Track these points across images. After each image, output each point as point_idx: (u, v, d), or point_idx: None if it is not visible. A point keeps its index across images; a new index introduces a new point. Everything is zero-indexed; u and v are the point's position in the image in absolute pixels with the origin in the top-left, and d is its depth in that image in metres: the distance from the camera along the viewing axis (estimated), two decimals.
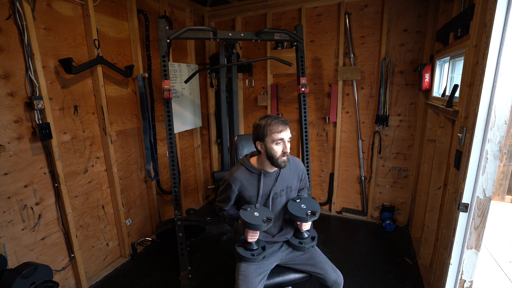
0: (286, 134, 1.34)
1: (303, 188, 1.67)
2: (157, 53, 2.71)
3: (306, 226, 1.49)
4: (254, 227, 1.31)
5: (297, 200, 1.51)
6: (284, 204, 1.51)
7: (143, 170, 2.68)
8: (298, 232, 1.55)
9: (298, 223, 1.48)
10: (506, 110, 1.25)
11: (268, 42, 3.11)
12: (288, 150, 1.36)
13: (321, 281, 1.43)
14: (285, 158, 1.35)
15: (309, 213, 1.41)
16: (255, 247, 1.43)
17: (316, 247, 1.55)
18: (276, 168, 1.45)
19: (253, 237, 1.39)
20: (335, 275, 1.40)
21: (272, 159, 1.36)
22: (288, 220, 1.58)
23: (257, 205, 1.45)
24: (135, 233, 2.66)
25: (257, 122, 1.38)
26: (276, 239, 1.54)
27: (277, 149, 1.34)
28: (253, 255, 1.41)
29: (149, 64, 2.61)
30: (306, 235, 1.53)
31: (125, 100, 2.45)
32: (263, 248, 1.46)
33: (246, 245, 1.44)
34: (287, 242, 1.57)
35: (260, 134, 1.36)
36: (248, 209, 1.40)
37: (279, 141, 1.33)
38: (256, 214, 1.36)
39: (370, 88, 2.85)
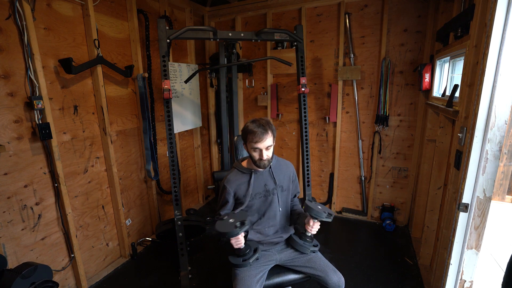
0: (262, 145, 1.42)
1: (295, 196, 1.72)
2: (157, 53, 2.71)
3: (315, 228, 1.50)
4: (227, 235, 1.30)
5: (314, 202, 1.55)
6: (277, 203, 1.56)
7: (143, 170, 2.68)
8: (303, 234, 1.54)
9: (311, 223, 1.48)
10: (506, 110, 1.25)
11: (268, 42, 3.11)
12: (266, 157, 1.44)
13: (322, 283, 1.43)
14: (264, 162, 1.45)
15: (326, 213, 1.42)
16: (246, 251, 1.42)
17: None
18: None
19: (237, 243, 1.38)
20: (336, 277, 1.40)
21: (253, 160, 1.49)
22: (284, 222, 1.61)
23: (242, 208, 1.48)
24: (135, 233, 2.66)
25: (245, 125, 1.49)
26: (271, 239, 1.55)
27: (255, 155, 1.46)
28: (245, 260, 1.39)
29: (149, 64, 2.61)
30: (310, 240, 1.53)
31: (125, 100, 2.44)
32: (255, 250, 1.45)
33: (236, 251, 1.42)
34: (289, 240, 1.57)
35: (243, 138, 1.49)
36: (225, 217, 1.40)
37: (256, 149, 1.44)
38: (230, 220, 1.35)
39: (370, 88, 2.85)
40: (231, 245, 1.39)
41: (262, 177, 1.55)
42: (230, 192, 1.53)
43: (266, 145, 1.43)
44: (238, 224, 1.31)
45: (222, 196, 1.56)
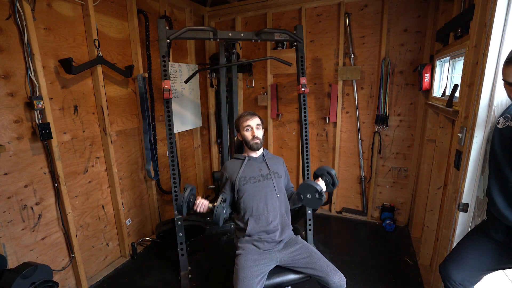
0: (252, 122, 1.66)
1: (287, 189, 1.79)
2: (157, 53, 2.71)
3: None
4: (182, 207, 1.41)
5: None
6: (274, 187, 1.62)
7: (143, 170, 2.68)
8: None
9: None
10: None
11: (268, 42, 3.11)
12: (257, 135, 1.64)
13: (323, 284, 1.43)
14: (256, 141, 1.64)
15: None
16: (215, 207, 1.41)
17: (315, 250, 1.55)
18: (259, 154, 1.71)
19: (201, 207, 1.47)
20: (338, 277, 1.39)
21: (247, 144, 1.67)
22: (283, 210, 1.63)
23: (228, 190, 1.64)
24: (135, 233, 2.66)
25: (236, 119, 1.74)
26: (272, 226, 1.55)
27: (247, 135, 1.66)
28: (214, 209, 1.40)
29: (149, 64, 2.61)
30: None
31: (125, 100, 2.45)
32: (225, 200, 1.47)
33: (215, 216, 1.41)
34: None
35: (237, 127, 1.72)
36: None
37: (248, 128, 1.65)
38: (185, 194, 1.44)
39: (370, 88, 2.85)
40: (200, 212, 1.48)
41: (256, 164, 1.69)
42: (226, 177, 1.69)
43: (256, 123, 1.66)
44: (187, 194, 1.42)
45: (222, 182, 1.74)
